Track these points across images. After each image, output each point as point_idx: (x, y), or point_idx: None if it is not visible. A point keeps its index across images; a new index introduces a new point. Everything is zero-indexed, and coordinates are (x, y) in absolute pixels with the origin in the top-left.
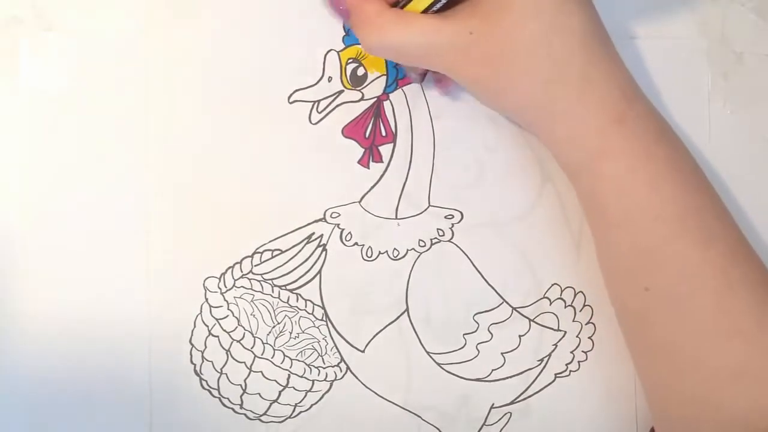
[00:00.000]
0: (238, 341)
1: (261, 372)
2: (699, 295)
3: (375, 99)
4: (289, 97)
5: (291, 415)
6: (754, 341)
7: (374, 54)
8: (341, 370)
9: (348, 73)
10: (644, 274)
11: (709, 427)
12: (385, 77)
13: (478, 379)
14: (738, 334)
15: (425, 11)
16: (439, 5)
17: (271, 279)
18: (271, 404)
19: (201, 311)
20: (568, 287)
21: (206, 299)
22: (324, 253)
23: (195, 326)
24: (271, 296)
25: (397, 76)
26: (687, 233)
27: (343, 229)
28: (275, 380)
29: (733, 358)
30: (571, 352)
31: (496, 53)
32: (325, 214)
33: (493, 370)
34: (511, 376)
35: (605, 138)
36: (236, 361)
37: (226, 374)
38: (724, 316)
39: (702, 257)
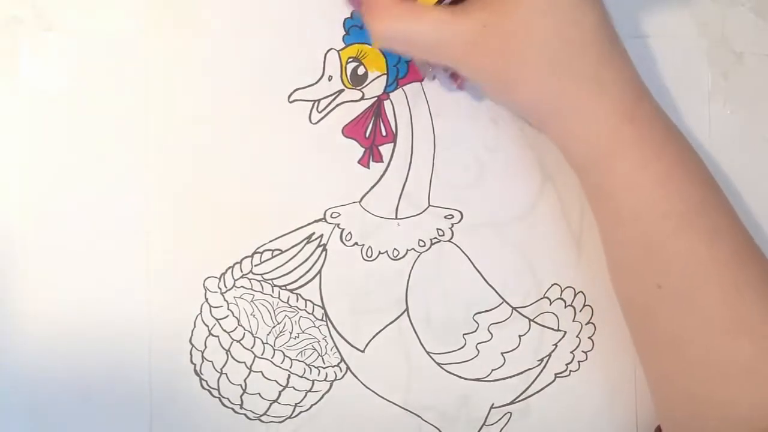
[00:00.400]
0: (238, 341)
1: (261, 372)
2: (705, 292)
3: (375, 98)
4: (289, 97)
5: (291, 415)
6: (760, 339)
7: (383, 45)
8: (341, 370)
9: (348, 72)
10: (652, 270)
11: (714, 424)
12: (385, 77)
13: (478, 379)
14: (744, 332)
15: (437, 4)
16: None
17: (271, 279)
18: (271, 404)
19: (201, 311)
20: (568, 287)
21: (206, 299)
22: (324, 253)
23: (195, 326)
24: (271, 296)
25: (397, 75)
26: (693, 230)
27: (343, 229)
28: (275, 380)
29: (738, 356)
30: (571, 352)
31: (508, 46)
32: (325, 214)
33: (493, 370)
34: (511, 376)
35: (617, 136)
36: (236, 361)
37: (226, 374)
38: (730, 313)
39: (708, 254)
